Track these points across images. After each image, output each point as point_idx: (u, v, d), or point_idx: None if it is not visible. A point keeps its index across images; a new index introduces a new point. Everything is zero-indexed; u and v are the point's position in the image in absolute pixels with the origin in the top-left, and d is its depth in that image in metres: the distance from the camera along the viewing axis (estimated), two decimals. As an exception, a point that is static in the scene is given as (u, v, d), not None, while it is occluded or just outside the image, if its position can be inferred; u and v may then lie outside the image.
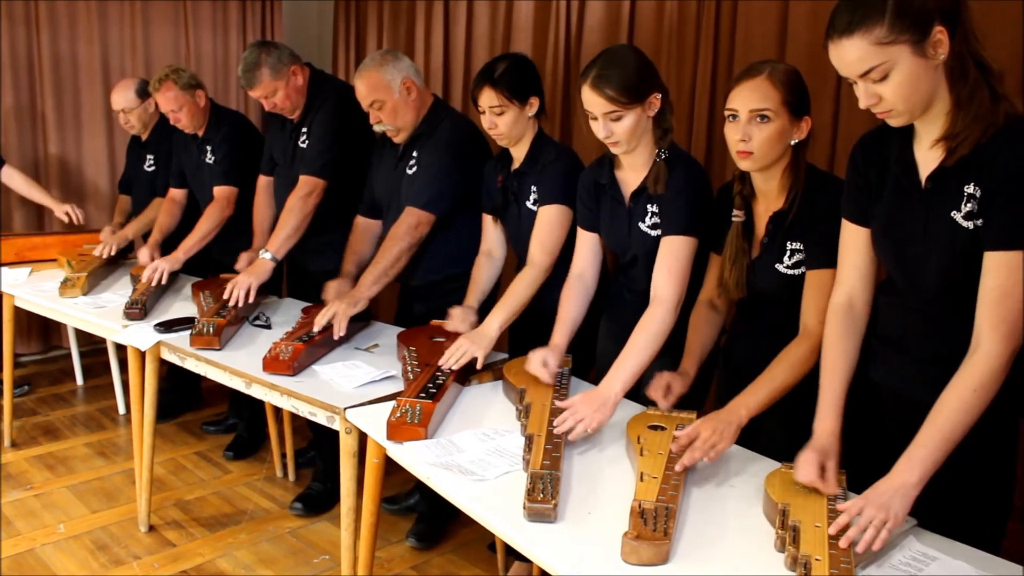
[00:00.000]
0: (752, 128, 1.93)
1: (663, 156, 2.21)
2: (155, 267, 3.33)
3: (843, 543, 1.44)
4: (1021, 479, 1.71)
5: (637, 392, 2.27)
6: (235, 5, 5.55)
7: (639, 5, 3.78)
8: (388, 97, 2.85)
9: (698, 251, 2.20)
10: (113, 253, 3.81)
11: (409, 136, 2.95)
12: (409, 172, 2.95)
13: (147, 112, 4.09)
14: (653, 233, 2.23)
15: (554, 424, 1.94)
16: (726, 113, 1.97)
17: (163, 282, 3.32)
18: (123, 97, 4.05)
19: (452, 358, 2.35)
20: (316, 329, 2.68)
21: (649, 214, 2.24)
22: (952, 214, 1.57)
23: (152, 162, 4.13)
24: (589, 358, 2.51)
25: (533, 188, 2.61)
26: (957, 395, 1.51)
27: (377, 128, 2.94)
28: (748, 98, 1.93)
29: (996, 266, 1.51)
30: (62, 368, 5.01)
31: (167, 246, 3.74)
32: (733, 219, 2.09)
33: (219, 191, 3.62)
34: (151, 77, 3.75)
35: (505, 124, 2.54)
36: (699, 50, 3.53)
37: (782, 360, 1.90)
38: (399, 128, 2.93)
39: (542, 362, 2.24)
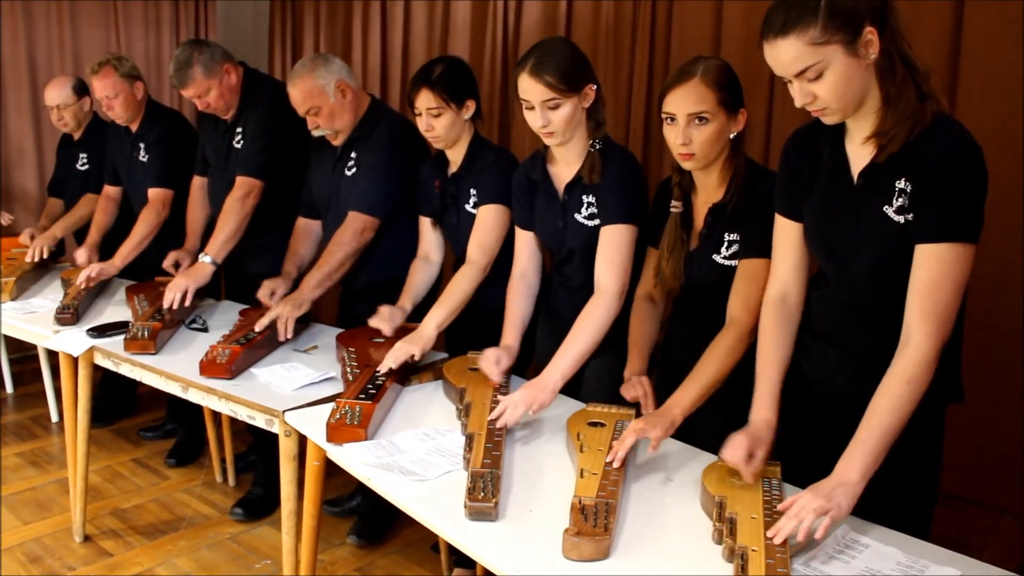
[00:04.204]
0: (691, 131, 1.95)
1: (597, 146, 2.22)
2: (91, 271, 3.25)
3: (778, 539, 1.44)
4: (947, 466, 1.76)
5: (577, 389, 2.29)
6: (167, 4, 5.45)
7: (576, 5, 3.81)
8: (324, 102, 2.83)
9: (637, 245, 2.21)
10: (45, 255, 3.71)
11: (347, 138, 2.93)
12: (348, 173, 2.92)
13: (83, 110, 4.01)
14: (590, 224, 2.24)
15: (491, 417, 1.94)
16: (663, 116, 1.99)
17: (92, 285, 3.24)
18: (59, 93, 3.94)
19: (389, 360, 2.32)
20: (258, 330, 2.65)
21: (585, 205, 2.25)
22: (884, 208, 1.61)
23: (85, 160, 4.04)
24: (527, 356, 2.52)
25: (472, 191, 2.61)
26: (891, 390, 1.54)
27: (316, 133, 2.91)
28: (684, 102, 1.94)
29: (926, 259, 1.55)
30: (-10, 376, 4.87)
31: (103, 245, 3.68)
32: (671, 210, 2.11)
33: (154, 194, 3.54)
34: (83, 77, 3.66)
35: (442, 126, 2.54)
36: (635, 49, 3.57)
37: (710, 353, 1.91)
38: (338, 131, 2.91)
39: (495, 360, 2.24)
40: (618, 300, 2.15)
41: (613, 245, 2.18)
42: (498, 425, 1.92)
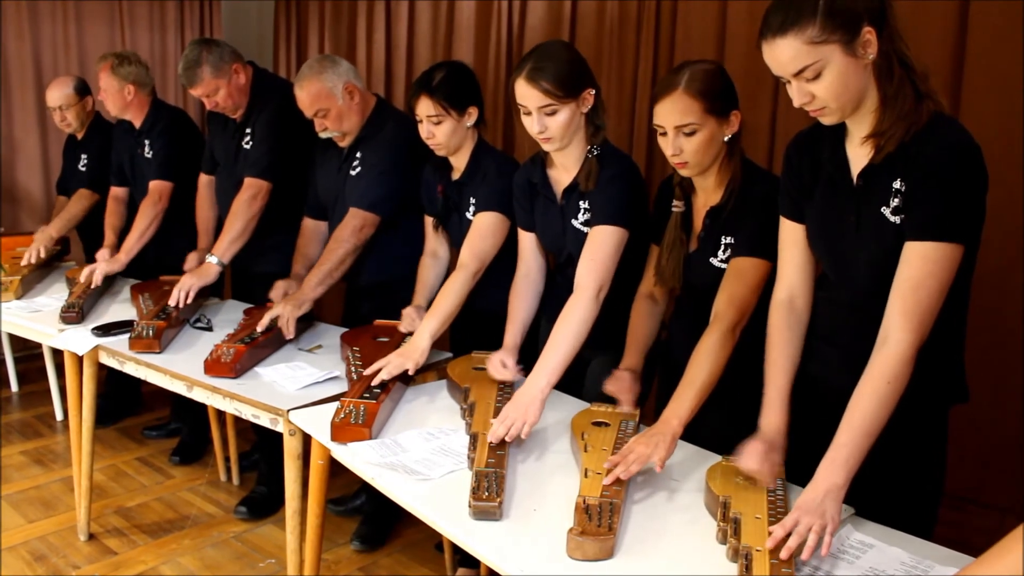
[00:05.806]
0: (681, 141, 1.93)
1: (595, 152, 2.20)
2: (91, 269, 3.26)
3: (784, 554, 1.42)
4: (951, 466, 1.76)
5: (579, 388, 2.28)
6: (172, 4, 5.45)
7: (580, 5, 3.81)
8: (332, 104, 2.83)
9: (638, 244, 2.21)
10: (43, 256, 3.71)
11: (353, 138, 2.93)
12: (353, 173, 2.93)
13: (84, 110, 4.01)
14: (586, 230, 2.22)
15: (489, 440, 1.88)
16: (655, 127, 1.98)
17: (98, 283, 3.25)
18: (60, 93, 3.95)
19: (383, 373, 2.24)
20: (260, 329, 2.65)
21: (581, 211, 2.24)
22: (882, 210, 1.61)
23: (86, 161, 4.04)
24: (531, 358, 2.52)
25: (472, 200, 2.59)
26: (872, 388, 1.53)
27: (323, 135, 2.91)
28: (670, 114, 1.92)
29: (912, 256, 1.55)
30: (-5, 375, 4.88)
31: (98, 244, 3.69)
32: (673, 209, 2.11)
33: (153, 185, 3.54)
34: (87, 76, 3.66)
35: (443, 134, 2.51)
36: (640, 49, 3.57)
37: (697, 357, 1.88)
38: (345, 133, 2.91)
39: (501, 364, 2.23)
40: (595, 298, 2.10)
41: (596, 244, 2.14)
42: (494, 442, 1.87)
